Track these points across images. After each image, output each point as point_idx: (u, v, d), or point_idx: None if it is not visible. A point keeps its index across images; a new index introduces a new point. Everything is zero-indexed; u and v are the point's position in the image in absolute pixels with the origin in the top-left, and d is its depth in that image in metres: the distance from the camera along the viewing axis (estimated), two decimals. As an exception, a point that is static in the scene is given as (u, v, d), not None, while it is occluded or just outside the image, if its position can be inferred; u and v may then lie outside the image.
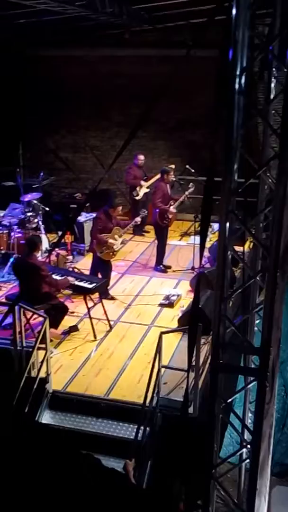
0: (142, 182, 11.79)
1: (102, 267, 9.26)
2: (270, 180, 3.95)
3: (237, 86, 3.39)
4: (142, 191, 11.82)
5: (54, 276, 8.17)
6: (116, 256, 11.05)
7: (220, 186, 3.64)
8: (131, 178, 11.88)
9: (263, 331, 3.67)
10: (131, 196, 11.97)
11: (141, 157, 11.93)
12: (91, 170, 13.96)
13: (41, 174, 11.57)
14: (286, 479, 7.63)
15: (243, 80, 3.44)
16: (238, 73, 3.38)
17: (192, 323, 4.42)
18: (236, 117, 3.45)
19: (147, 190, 11.84)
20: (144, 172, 12.02)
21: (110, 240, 9.13)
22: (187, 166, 11.63)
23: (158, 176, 11.44)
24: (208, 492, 4.02)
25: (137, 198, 11.82)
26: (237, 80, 3.39)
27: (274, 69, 5.59)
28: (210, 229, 9.58)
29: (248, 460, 4.35)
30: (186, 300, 9.14)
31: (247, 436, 4.78)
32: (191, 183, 10.84)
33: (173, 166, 10.96)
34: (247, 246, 8.68)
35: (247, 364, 5.20)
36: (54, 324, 7.78)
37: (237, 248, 4.80)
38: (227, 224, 3.54)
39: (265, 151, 5.04)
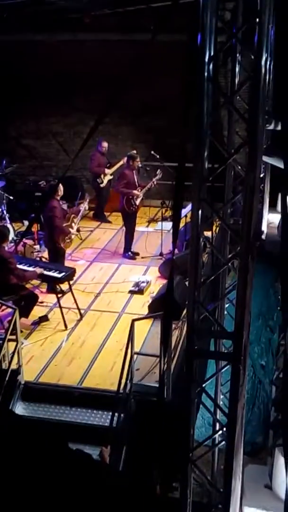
0: (106, 170, 11.73)
1: (58, 256, 9.13)
2: (239, 167, 3.99)
3: (206, 73, 3.40)
4: (106, 178, 11.77)
5: (22, 267, 8.09)
6: (84, 243, 11.07)
7: (189, 173, 3.65)
8: (95, 165, 11.80)
9: (236, 316, 3.73)
10: (95, 183, 11.90)
11: (105, 144, 11.86)
12: (55, 157, 13.80)
13: (4, 162, 11.39)
14: (257, 457, 7.79)
15: (211, 67, 3.45)
16: (206, 60, 3.38)
17: (167, 310, 4.46)
18: (205, 105, 3.46)
19: (111, 177, 11.81)
20: (107, 158, 11.95)
21: (71, 230, 9.08)
22: (152, 152, 11.64)
23: (121, 162, 11.46)
24: (185, 475, 4.09)
25: (101, 185, 11.76)
26: (205, 67, 3.39)
27: (238, 55, 5.64)
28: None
29: (223, 442, 4.44)
30: (155, 286, 9.19)
31: (219, 417, 4.87)
32: (158, 170, 10.87)
33: (134, 151, 10.98)
34: (214, 230, 8.75)
35: (218, 349, 5.29)
36: (25, 313, 7.74)
37: (205, 233, 4.87)
38: (199, 212, 3.57)
39: (231, 137, 5.09)
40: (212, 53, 3.44)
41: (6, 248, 8.32)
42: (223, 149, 3.68)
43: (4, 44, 12.73)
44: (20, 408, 6.78)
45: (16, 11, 10.76)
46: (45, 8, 10.43)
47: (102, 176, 11.73)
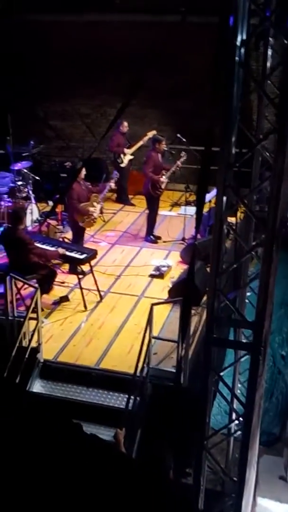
0: (126, 150, 11.66)
1: (78, 235, 9.20)
2: (267, 153, 3.91)
3: (237, 57, 3.32)
4: (126, 158, 11.69)
5: (44, 247, 8.11)
6: (107, 226, 11.05)
7: (216, 158, 3.59)
8: (114, 145, 11.72)
9: (258, 305, 3.68)
10: (115, 163, 11.84)
11: (125, 124, 11.76)
12: (81, 138, 13.76)
13: (31, 142, 11.39)
14: (273, 448, 7.76)
15: (242, 51, 3.37)
16: (238, 43, 3.30)
17: (186, 296, 4.42)
18: (235, 89, 3.39)
19: (132, 157, 11.73)
20: (127, 139, 11.86)
21: (91, 209, 9.05)
22: (178, 135, 11.50)
23: (141, 142, 11.40)
24: (200, 462, 4.08)
25: (122, 165, 11.69)
26: (237, 51, 3.31)
27: (270, 39, 5.50)
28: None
29: (238, 432, 4.42)
30: (176, 271, 9.14)
31: (236, 406, 4.85)
32: (182, 152, 10.74)
33: (154, 132, 10.94)
34: (238, 216, 8.66)
35: (237, 338, 5.24)
36: (46, 289, 7.77)
37: (229, 219, 4.79)
38: (224, 198, 3.51)
39: (260, 123, 4.98)
40: (244, 37, 3.35)
41: (30, 227, 8.36)
42: (251, 134, 3.59)
43: (33, 24, 12.69)
44: (38, 386, 6.85)
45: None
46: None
47: (122, 156, 11.66)
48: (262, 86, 4.16)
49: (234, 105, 3.38)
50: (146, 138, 11.31)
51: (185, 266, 9.03)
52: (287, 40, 3.31)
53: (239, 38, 3.29)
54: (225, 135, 3.39)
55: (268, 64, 5.36)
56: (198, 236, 10.00)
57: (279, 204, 3.41)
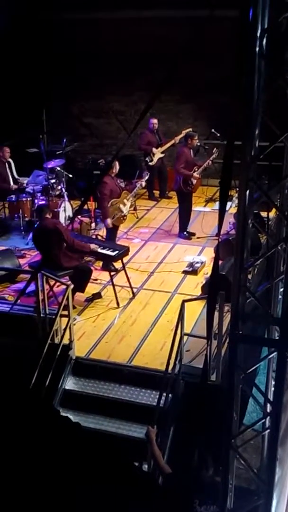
0: (154, 149, 11.56)
1: (110, 232, 9.21)
2: (293, 146, 3.81)
3: (257, 49, 3.24)
4: (156, 156, 11.63)
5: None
6: (140, 222, 11.04)
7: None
8: (144, 143, 11.65)
9: (284, 301, 3.59)
10: (145, 162, 11.79)
11: (154, 120, 11.69)
12: (115, 136, 13.79)
13: (64, 140, 11.47)
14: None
15: (264, 42, 3.28)
16: (258, 35, 3.22)
17: (211, 291, 4.37)
18: (257, 81, 3.31)
19: (162, 155, 11.67)
20: (159, 136, 11.77)
21: (120, 205, 9.03)
22: (213, 130, 11.40)
23: (173, 141, 11.33)
24: (227, 461, 4.02)
25: (151, 164, 11.64)
26: (257, 42, 3.23)
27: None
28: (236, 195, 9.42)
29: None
30: (210, 267, 9.04)
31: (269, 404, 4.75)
32: (215, 148, 10.64)
33: (189, 129, 10.85)
34: (273, 211, 8.52)
35: (270, 335, 5.13)
36: (80, 288, 7.82)
37: (263, 213, 4.65)
38: (247, 192, 3.43)
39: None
40: (265, 27, 3.26)
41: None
42: (276, 127, 3.50)
43: (67, 22, 12.78)
44: (70, 383, 6.90)
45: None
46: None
47: (151, 154, 11.60)
48: (285, 77, 4.06)
49: (255, 97, 3.30)
50: (178, 138, 11.24)
51: (219, 262, 8.94)
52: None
53: (259, 29, 3.20)
54: (246, 129, 3.32)
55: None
56: (233, 231, 9.95)
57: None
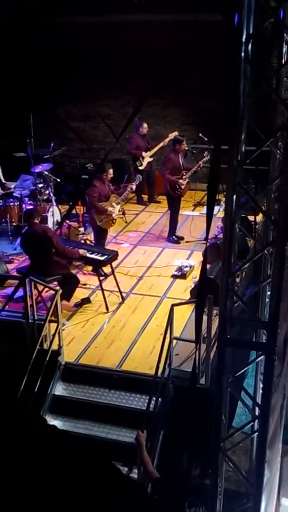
0: (144, 153, 11.59)
1: (99, 235, 9.20)
2: (279, 151, 3.84)
3: (243, 54, 3.26)
4: (145, 161, 11.65)
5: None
6: (129, 226, 11.05)
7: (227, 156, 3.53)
8: (133, 148, 11.64)
9: (271, 305, 3.62)
10: (134, 166, 11.81)
11: (145, 125, 11.69)
12: (103, 140, 13.78)
13: (52, 144, 11.44)
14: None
15: (249, 48, 3.31)
16: (244, 40, 3.24)
17: (200, 295, 4.38)
18: (242, 86, 3.33)
19: (151, 159, 11.69)
20: (147, 141, 11.80)
21: (109, 208, 9.03)
22: (200, 135, 11.46)
23: (161, 144, 11.36)
24: (216, 464, 4.03)
25: (140, 168, 11.65)
26: (243, 47, 3.25)
27: (286, 34, 5.40)
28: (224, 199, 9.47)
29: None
30: (199, 271, 9.03)
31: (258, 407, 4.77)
32: (206, 152, 10.69)
33: (175, 133, 10.89)
34: (261, 215, 8.57)
35: (258, 338, 5.16)
36: (67, 295, 7.80)
37: (251, 217, 4.67)
38: (234, 197, 3.46)
39: (276, 120, 4.90)
40: (251, 32, 3.29)
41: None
42: (261, 131, 3.53)
43: (56, 26, 12.76)
44: (60, 389, 6.88)
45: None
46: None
47: (140, 158, 11.62)
48: (278, 82, 4.10)
49: (241, 102, 3.32)
50: (166, 140, 11.26)
51: (208, 266, 8.96)
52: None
53: (244, 34, 3.23)
54: (232, 133, 3.34)
55: (283, 60, 5.28)
56: (221, 235, 9.99)
57: (290, 201, 3.34)
